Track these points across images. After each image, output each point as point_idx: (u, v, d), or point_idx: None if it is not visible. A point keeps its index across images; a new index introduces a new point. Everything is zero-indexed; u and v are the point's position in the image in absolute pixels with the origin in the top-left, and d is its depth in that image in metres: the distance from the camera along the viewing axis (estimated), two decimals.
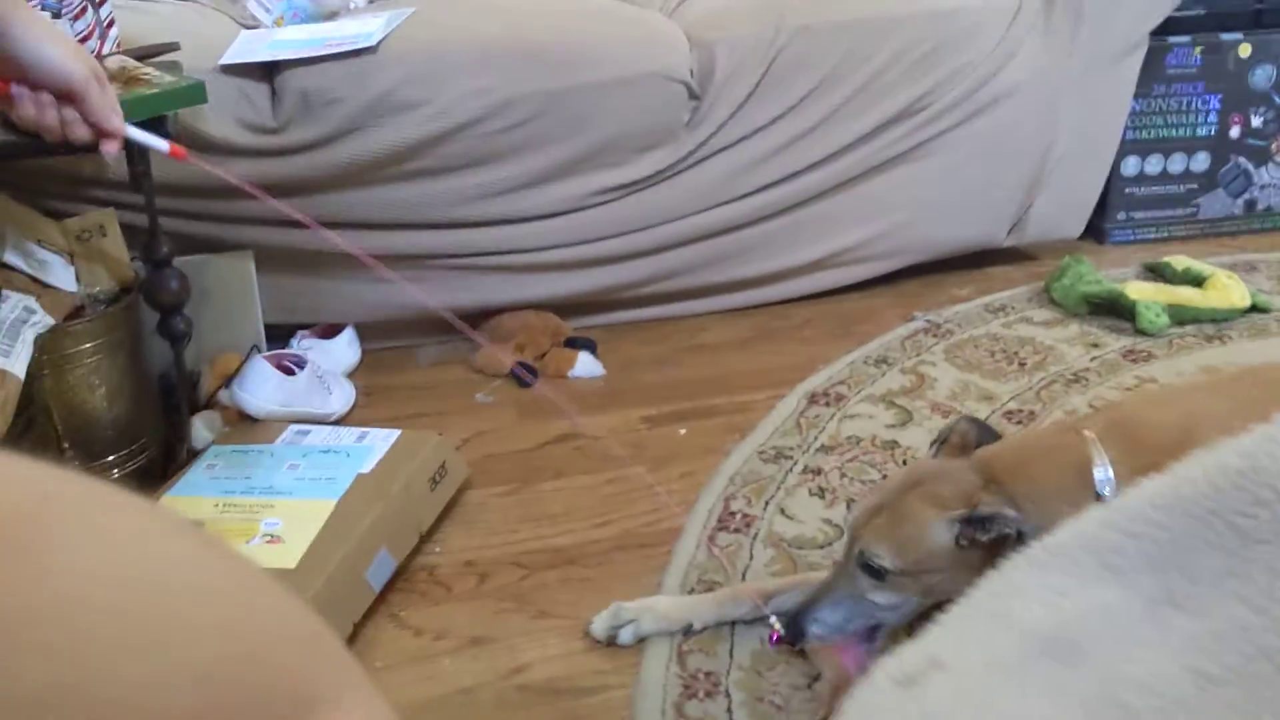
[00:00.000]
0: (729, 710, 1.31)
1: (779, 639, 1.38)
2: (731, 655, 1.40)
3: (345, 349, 2.22)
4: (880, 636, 1.30)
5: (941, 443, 1.38)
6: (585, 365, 2.21)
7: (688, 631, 1.44)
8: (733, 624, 1.45)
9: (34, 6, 1.72)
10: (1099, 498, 1.19)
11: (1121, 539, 0.48)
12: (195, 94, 1.65)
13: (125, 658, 0.33)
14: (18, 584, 0.32)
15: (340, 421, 2.01)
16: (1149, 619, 0.47)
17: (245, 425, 1.88)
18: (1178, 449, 1.19)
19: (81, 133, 1.29)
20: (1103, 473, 1.20)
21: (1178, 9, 2.59)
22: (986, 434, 1.36)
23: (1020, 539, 1.15)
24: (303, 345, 2.17)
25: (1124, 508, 0.51)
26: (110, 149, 1.31)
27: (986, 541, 1.18)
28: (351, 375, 2.20)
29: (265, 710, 0.38)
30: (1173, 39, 2.71)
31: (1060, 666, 0.42)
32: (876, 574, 1.24)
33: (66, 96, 1.26)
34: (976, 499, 1.19)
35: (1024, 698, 0.43)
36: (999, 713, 0.42)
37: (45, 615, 0.32)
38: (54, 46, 1.23)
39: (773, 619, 1.35)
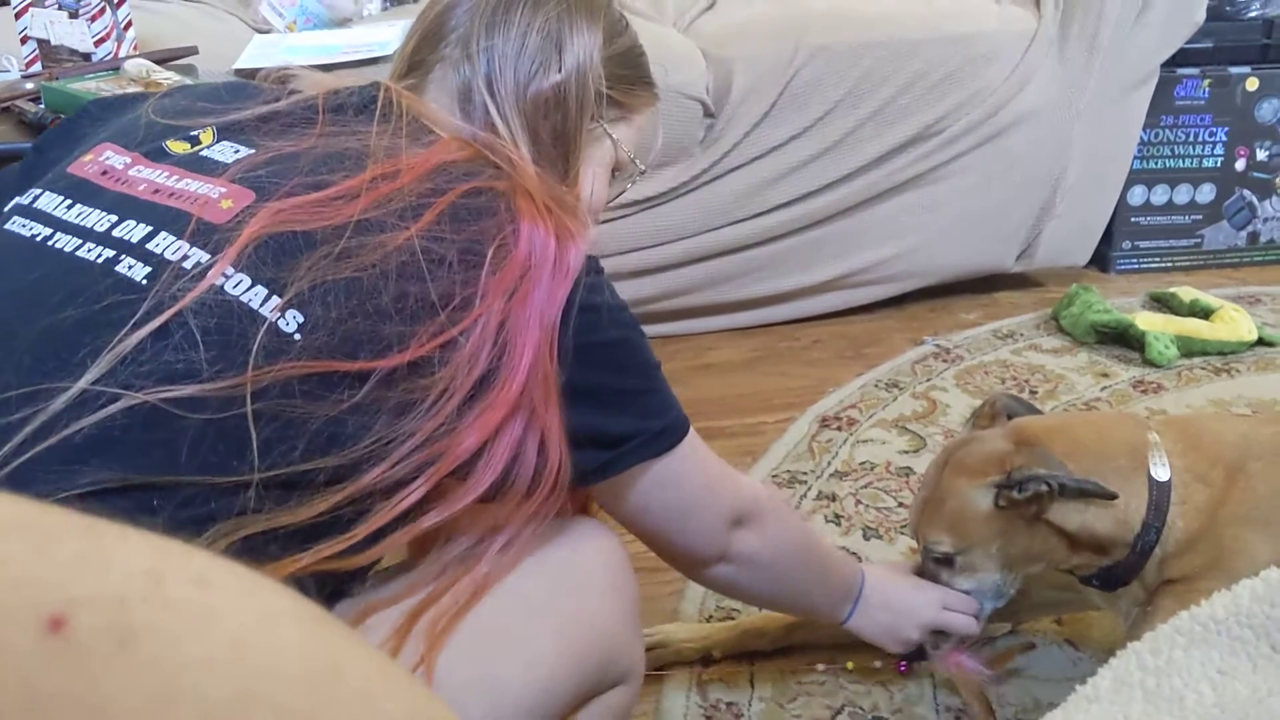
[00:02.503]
0: None
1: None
2: (753, 686, 1.38)
3: None
4: (981, 624, 1.30)
5: (975, 417, 1.38)
6: None
7: (707, 661, 1.42)
8: (752, 655, 1.43)
9: (51, 7, 1.69)
10: (1154, 483, 1.18)
11: None
12: None
13: None
14: (99, 678, 0.29)
15: None
16: None
17: None
18: (1233, 460, 1.20)
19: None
20: (1160, 462, 1.20)
21: (1187, 41, 2.60)
22: (1025, 409, 1.35)
23: (1063, 492, 1.15)
24: None
25: None
26: None
27: (1025, 500, 1.17)
28: None
29: None
30: (1182, 71, 2.72)
31: None
32: (947, 562, 1.25)
33: None
34: (1009, 462, 1.19)
35: None
36: None
37: (131, 712, 0.30)
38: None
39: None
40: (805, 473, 1.87)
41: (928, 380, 2.22)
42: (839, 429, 2.02)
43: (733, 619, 1.48)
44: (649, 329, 2.48)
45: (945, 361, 2.31)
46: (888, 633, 1.26)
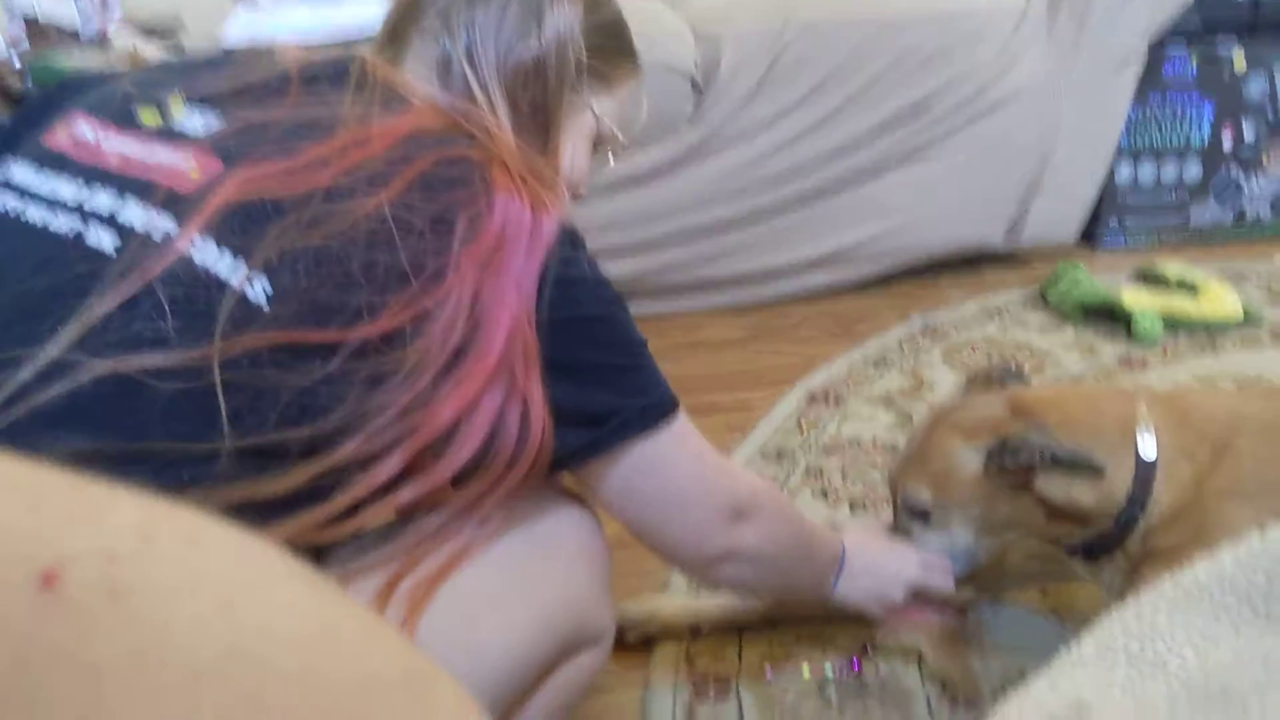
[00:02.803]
0: (740, 713, 1.30)
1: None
2: (740, 658, 1.39)
3: None
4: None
5: (969, 384, 1.39)
6: None
7: (695, 633, 1.43)
8: (740, 627, 1.44)
9: None
10: (1140, 458, 1.19)
11: (1269, 582, 0.47)
12: None
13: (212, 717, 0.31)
14: (90, 633, 0.30)
15: None
16: None
17: None
18: (1221, 435, 1.21)
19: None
20: (1148, 436, 1.21)
21: (1175, 18, 2.60)
22: (1017, 381, 1.37)
23: (1055, 462, 1.16)
24: None
25: (1265, 548, 0.50)
26: None
27: (1014, 467, 1.18)
28: None
29: None
30: (1170, 48, 2.72)
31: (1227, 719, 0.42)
32: (923, 516, 1.26)
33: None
34: (1003, 427, 1.20)
35: None
36: None
37: (121, 669, 0.30)
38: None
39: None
40: (794, 448, 1.88)
41: (915, 357, 2.23)
42: (827, 405, 2.03)
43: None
44: (638, 307, 2.48)
45: (932, 338, 2.32)
46: (872, 596, 1.26)
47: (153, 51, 1.63)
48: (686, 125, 2.27)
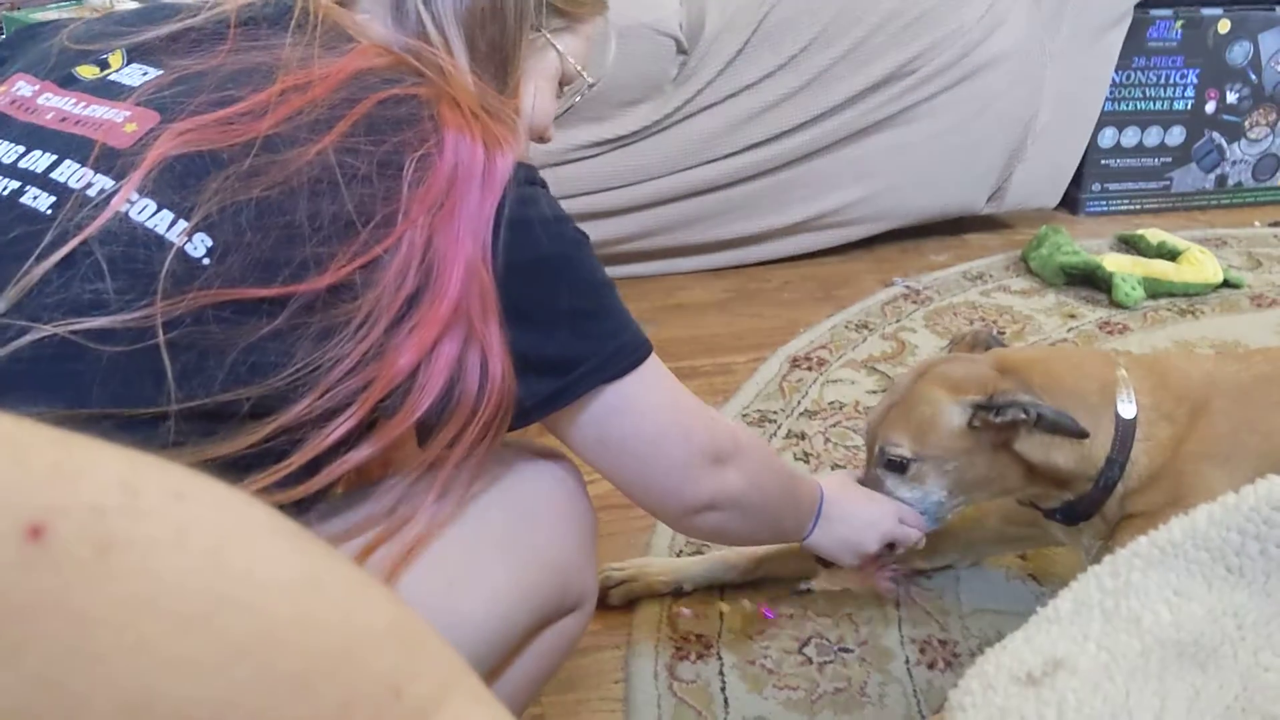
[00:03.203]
0: (721, 673, 1.31)
1: (774, 614, 1.38)
2: (722, 618, 1.40)
3: None
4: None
5: (954, 345, 1.40)
6: None
7: (678, 593, 1.44)
8: (722, 587, 1.45)
9: None
10: (1120, 420, 1.20)
11: (1243, 540, 0.48)
12: None
13: (195, 671, 0.31)
14: (77, 584, 0.30)
15: None
16: None
17: None
18: (1198, 398, 1.23)
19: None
20: (1128, 399, 1.22)
21: None
22: (999, 345, 1.38)
23: (1040, 422, 1.17)
24: None
25: (1238, 507, 0.50)
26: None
27: (999, 425, 1.19)
28: None
29: (364, 717, 0.36)
30: (1155, 12, 2.72)
31: (1200, 673, 0.42)
32: (899, 467, 1.26)
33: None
34: (991, 385, 1.20)
35: (1163, 702, 0.42)
36: (1139, 718, 0.42)
37: (109, 620, 0.30)
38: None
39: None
40: (775, 411, 1.89)
41: (897, 321, 2.24)
42: (809, 369, 2.04)
43: (702, 553, 1.50)
44: (620, 269, 2.48)
45: (915, 303, 2.32)
46: (846, 545, 1.24)
47: (129, 4, 1.60)
48: (671, 87, 2.26)
